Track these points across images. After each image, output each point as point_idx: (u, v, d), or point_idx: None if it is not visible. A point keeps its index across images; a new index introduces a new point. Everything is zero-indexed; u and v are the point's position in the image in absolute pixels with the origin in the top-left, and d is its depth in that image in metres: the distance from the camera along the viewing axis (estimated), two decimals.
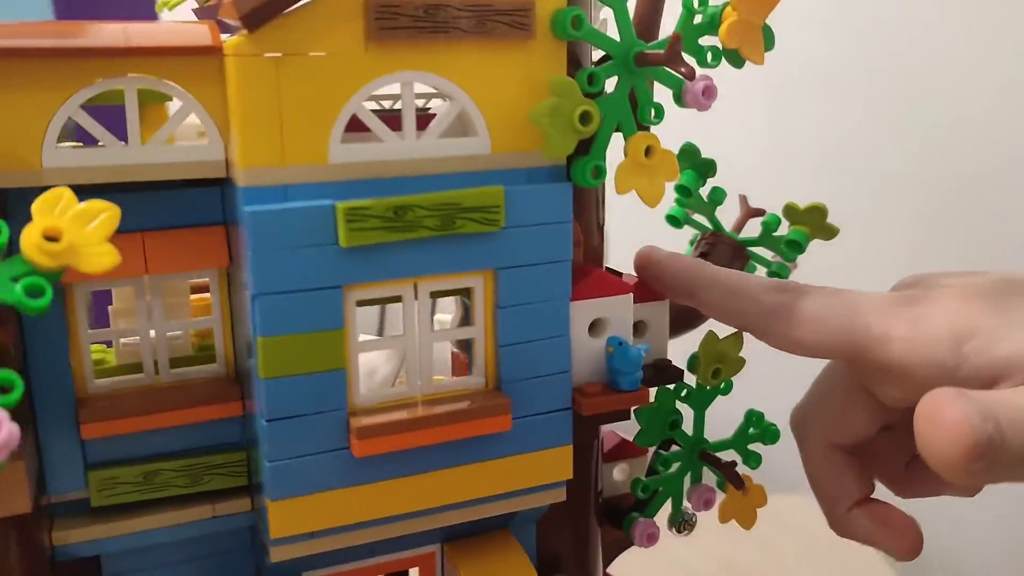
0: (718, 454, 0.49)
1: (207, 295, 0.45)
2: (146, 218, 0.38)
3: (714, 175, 0.51)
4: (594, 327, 0.43)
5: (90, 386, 0.40)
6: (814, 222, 0.50)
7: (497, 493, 0.41)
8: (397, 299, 0.39)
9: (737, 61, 0.40)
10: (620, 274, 0.48)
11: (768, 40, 0.40)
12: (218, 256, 0.40)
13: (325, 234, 0.36)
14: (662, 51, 0.39)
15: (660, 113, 0.41)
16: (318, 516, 0.39)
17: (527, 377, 0.41)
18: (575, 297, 0.42)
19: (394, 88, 0.38)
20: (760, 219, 0.52)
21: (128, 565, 0.42)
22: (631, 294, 0.43)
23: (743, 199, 0.54)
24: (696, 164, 0.51)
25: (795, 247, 0.50)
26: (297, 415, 0.38)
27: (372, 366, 0.51)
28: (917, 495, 0.47)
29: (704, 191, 0.52)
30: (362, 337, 0.39)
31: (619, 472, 0.51)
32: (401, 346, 0.40)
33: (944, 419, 0.33)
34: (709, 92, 0.40)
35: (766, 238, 0.51)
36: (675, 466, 0.48)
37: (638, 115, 0.40)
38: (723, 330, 0.47)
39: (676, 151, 0.48)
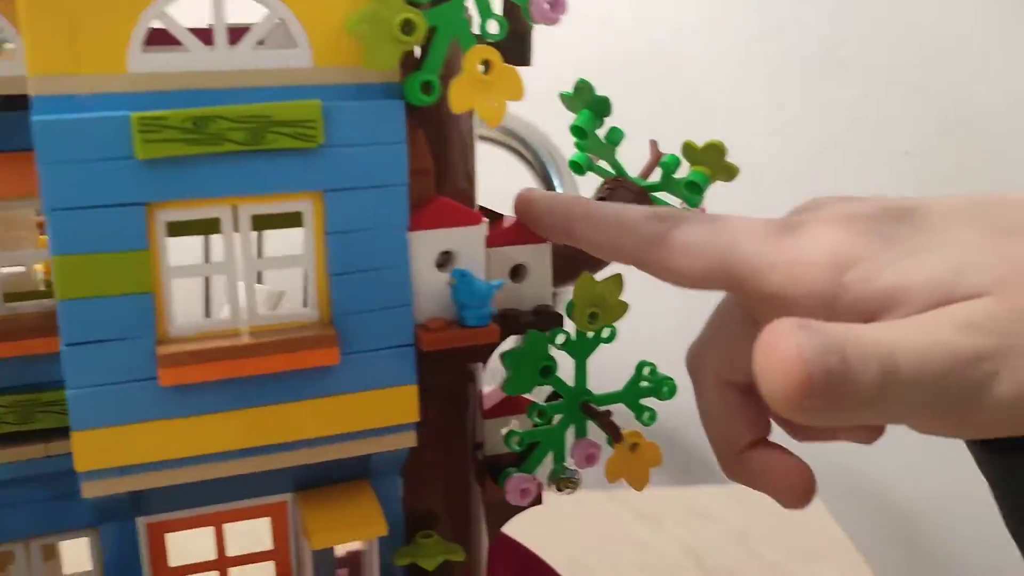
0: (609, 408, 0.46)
1: None
2: None
3: (609, 114, 0.48)
4: (443, 261, 0.40)
5: None
6: (713, 161, 0.46)
7: (331, 433, 0.39)
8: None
9: None
10: (501, 216, 0.45)
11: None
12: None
13: (122, 147, 0.34)
14: None
15: (503, 26, 0.38)
16: (126, 450, 0.36)
17: (362, 310, 0.38)
18: (417, 226, 0.39)
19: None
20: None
21: None
22: (482, 225, 0.40)
23: (653, 143, 0.51)
24: (591, 102, 0.48)
25: (695, 188, 0.47)
26: (99, 340, 0.35)
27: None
28: (812, 439, 0.43)
29: (602, 132, 0.49)
30: (175, 262, 0.36)
31: (505, 430, 0.48)
32: (222, 272, 0.38)
33: (777, 351, 0.29)
34: (558, 6, 0.37)
35: (667, 181, 0.48)
36: (556, 418, 0.45)
37: (480, 27, 0.38)
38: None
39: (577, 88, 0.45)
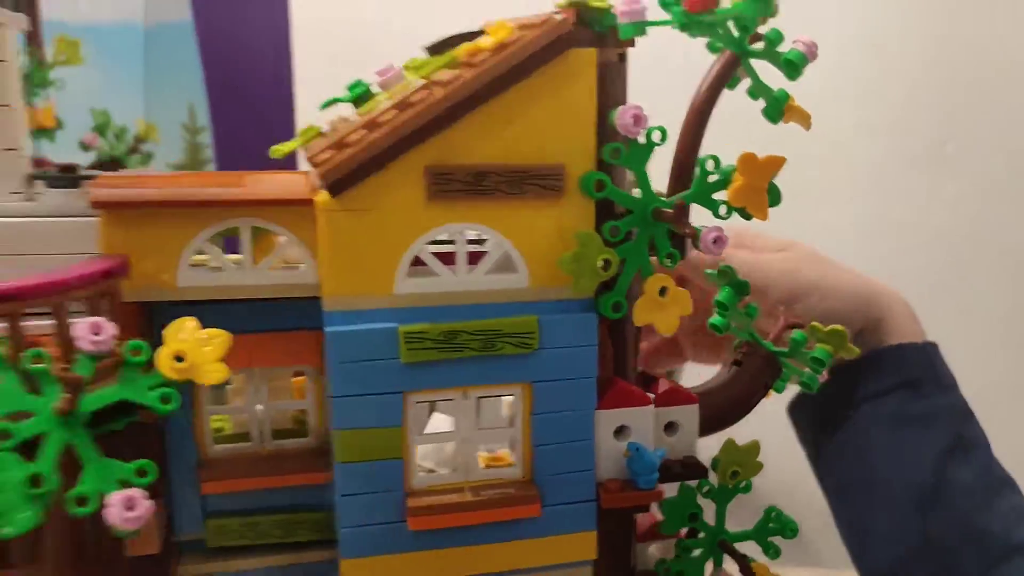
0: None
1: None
2: (254, 323, 0.49)
3: (748, 293, 0.58)
4: (619, 432, 0.51)
5: (210, 450, 0.51)
6: (836, 342, 0.56)
7: (529, 567, 0.50)
8: None
9: (745, 215, 0.47)
10: (656, 379, 0.55)
11: (773, 198, 0.47)
12: (313, 355, 0.50)
13: (390, 351, 0.46)
14: (670, 210, 0.46)
15: (676, 258, 0.48)
16: (380, 573, 0.48)
17: (556, 472, 0.49)
18: (601, 407, 0.49)
19: None
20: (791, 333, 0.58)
21: None
22: (651, 405, 0.51)
23: (784, 315, 0.61)
24: (732, 283, 0.58)
25: (818, 363, 0.56)
26: (365, 492, 0.47)
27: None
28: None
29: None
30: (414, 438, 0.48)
31: (655, 549, 0.58)
32: (451, 440, 0.49)
33: None
34: (720, 242, 0.47)
35: (795, 352, 0.57)
36: (696, 552, 0.55)
37: (658, 258, 0.48)
38: (742, 438, 0.53)
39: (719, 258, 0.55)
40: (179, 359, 0.40)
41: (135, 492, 0.37)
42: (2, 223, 0.46)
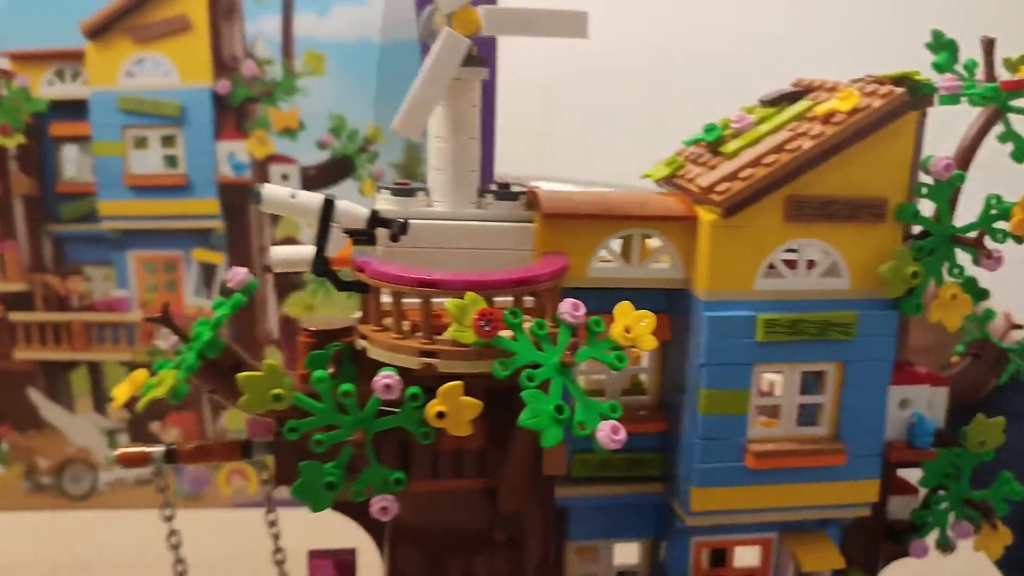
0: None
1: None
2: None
3: (987, 299, 0.72)
4: (902, 403, 0.65)
5: None
6: None
7: (824, 504, 0.65)
8: None
9: (1018, 240, 0.62)
10: (910, 365, 0.70)
11: None
12: (665, 332, 0.65)
13: (748, 333, 0.61)
14: (971, 235, 0.61)
15: (962, 273, 0.63)
16: (719, 501, 0.63)
17: (855, 432, 0.64)
18: (893, 383, 0.64)
19: None
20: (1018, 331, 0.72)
21: (584, 516, 0.68)
22: (928, 384, 0.65)
23: (1006, 315, 0.75)
24: (974, 293, 0.72)
25: None
26: (717, 438, 0.62)
27: None
28: None
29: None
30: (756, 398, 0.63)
31: (898, 503, 0.72)
32: (779, 402, 0.64)
33: None
34: (998, 261, 0.62)
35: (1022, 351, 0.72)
36: (943, 504, 0.70)
37: (949, 271, 0.63)
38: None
39: None
40: (627, 331, 0.55)
41: (615, 422, 0.53)
42: (465, 225, 0.61)
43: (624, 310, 0.56)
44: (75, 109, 1.10)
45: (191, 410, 1.19)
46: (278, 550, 0.66)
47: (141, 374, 0.58)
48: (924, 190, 0.61)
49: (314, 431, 0.54)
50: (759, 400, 0.63)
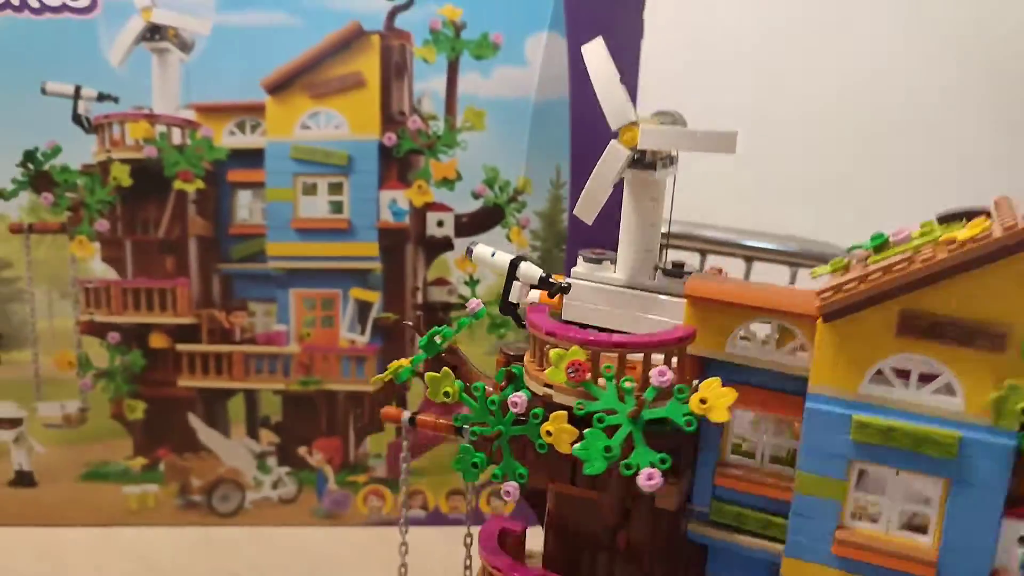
0: None
1: None
2: (771, 383, 0.72)
3: None
4: (1021, 540, 0.64)
5: (727, 456, 0.77)
6: None
7: None
8: None
9: None
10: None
11: None
12: (798, 412, 0.72)
13: (845, 429, 0.66)
14: None
15: None
16: (805, 574, 0.69)
17: (958, 549, 0.65)
18: (1008, 516, 0.63)
19: None
20: None
21: (722, 556, 0.78)
22: None
23: None
24: None
25: None
26: (811, 517, 0.68)
27: None
28: None
29: None
30: (854, 493, 0.67)
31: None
32: (878, 505, 0.68)
33: None
34: None
35: None
36: None
37: None
38: None
39: None
40: (703, 401, 0.66)
41: (655, 471, 0.64)
42: (631, 293, 0.76)
43: (710, 384, 0.66)
44: (252, 158, 1.20)
45: (337, 435, 1.29)
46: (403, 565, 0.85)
47: (396, 363, 0.83)
48: None
49: (474, 424, 0.74)
50: (859, 495, 0.68)
